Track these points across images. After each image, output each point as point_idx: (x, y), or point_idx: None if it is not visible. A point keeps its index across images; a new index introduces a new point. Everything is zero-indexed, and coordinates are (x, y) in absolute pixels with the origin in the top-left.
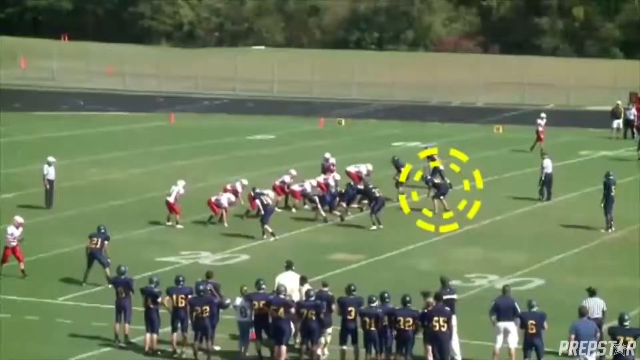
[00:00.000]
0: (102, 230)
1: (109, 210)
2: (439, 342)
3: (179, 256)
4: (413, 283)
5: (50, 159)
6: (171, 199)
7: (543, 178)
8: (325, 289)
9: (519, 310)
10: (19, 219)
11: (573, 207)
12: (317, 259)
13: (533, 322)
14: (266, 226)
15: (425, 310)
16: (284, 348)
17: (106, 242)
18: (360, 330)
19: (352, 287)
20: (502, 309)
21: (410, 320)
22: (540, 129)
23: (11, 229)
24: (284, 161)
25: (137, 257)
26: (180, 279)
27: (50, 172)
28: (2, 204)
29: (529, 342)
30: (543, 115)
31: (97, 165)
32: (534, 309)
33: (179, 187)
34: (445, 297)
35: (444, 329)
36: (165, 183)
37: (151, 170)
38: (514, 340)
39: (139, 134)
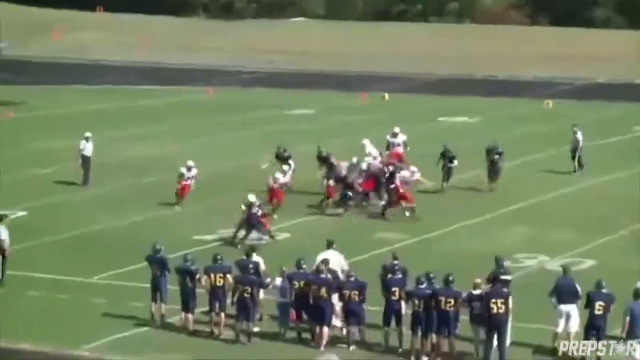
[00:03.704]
0: (258, 204)
1: (145, 187)
2: (497, 325)
3: (217, 234)
4: (458, 263)
5: (87, 134)
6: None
7: (579, 151)
8: (396, 261)
9: (580, 291)
10: (190, 162)
11: (625, 185)
12: (360, 239)
13: (602, 303)
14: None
15: (472, 291)
16: (325, 329)
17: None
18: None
19: (396, 267)
20: (563, 291)
21: (452, 300)
22: None
23: (184, 170)
24: (324, 137)
25: (173, 235)
26: (219, 257)
27: (87, 148)
28: (37, 179)
29: (593, 323)
30: None
31: (132, 141)
32: (604, 290)
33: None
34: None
35: (501, 311)
36: (202, 158)
37: (187, 146)
38: (575, 324)
39: (174, 108)
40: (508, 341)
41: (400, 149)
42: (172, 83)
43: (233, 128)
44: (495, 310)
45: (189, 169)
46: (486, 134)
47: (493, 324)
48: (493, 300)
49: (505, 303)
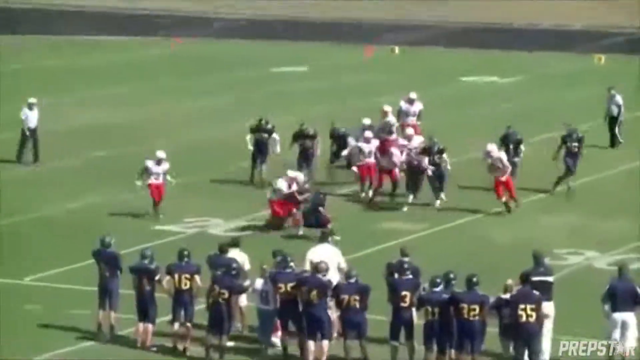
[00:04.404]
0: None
1: (99, 163)
2: (527, 337)
3: (183, 224)
4: (485, 260)
5: (32, 100)
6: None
7: (622, 118)
8: (406, 258)
9: None
10: (160, 153)
11: None
12: (362, 229)
13: None
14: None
15: (502, 296)
16: (320, 344)
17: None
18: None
19: (406, 265)
20: (620, 295)
21: (477, 307)
22: None
23: (150, 163)
24: (320, 101)
25: (130, 224)
26: (185, 252)
27: (30, 118)
28: None
29: None
30: None
31: (84, 106)
32: None
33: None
34: (535, 278)
35: (531, 320)
36: (168, 128)
37: (151, 112)
38: (633, 337)
39: (135, 65)
40: (546, 358)
41: (413, 120)
42: (130, 33)
43: (205, 90)
44: (524, 319)
45: (158, 162)
46: (521, 98)
47: (521, 336)
48: (521, 306)
49: (537, 309)
